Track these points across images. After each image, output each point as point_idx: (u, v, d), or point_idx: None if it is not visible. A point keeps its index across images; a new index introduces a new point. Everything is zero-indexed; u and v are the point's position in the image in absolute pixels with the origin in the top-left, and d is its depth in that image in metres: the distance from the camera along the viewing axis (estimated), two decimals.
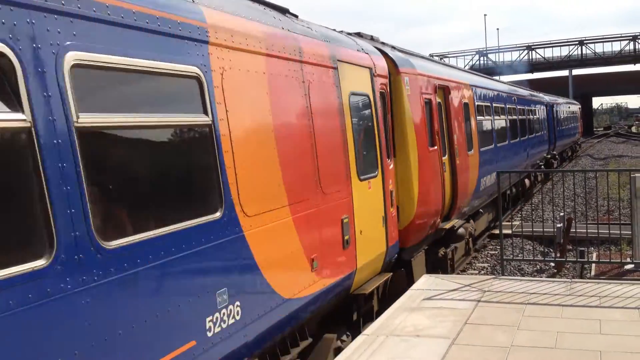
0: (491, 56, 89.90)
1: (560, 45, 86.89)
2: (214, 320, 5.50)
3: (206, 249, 5.41)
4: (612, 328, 7.50)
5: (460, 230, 13.75)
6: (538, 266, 15.63)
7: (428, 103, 12.25)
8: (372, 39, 11.69)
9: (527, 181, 25.23)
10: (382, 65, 10.28)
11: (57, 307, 3.88)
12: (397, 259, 10.57)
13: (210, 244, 5.47)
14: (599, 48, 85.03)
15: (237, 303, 5.83)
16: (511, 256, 14.34)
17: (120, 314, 4.45)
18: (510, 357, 6.75)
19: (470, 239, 15.55)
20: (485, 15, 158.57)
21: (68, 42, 4.18)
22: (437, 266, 12.73)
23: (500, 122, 20.16)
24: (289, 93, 7.16)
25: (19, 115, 3.74)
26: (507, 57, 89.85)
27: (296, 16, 8.41)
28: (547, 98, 37.10)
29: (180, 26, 5.32)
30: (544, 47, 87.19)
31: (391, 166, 10.28)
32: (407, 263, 11.06)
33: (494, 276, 10.83)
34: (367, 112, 9.43)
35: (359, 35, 11.31)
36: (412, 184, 10.92)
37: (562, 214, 16.13)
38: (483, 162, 16.49)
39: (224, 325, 5.62)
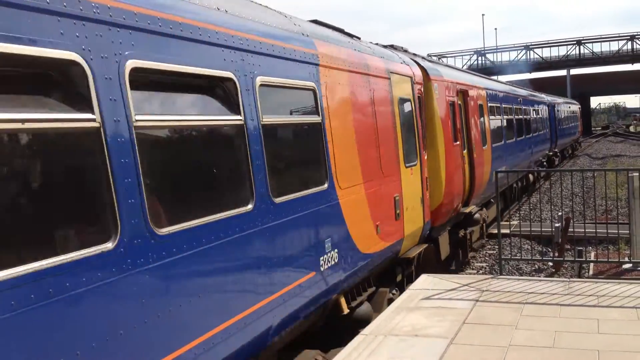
0: (489, 56, 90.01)
1: (558, 45, 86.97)
2: (324, 260, 7.72)
3: (319, 210, 7.63)
4: (610, 327, 7.51)
5: (476, 215, 15.79)
6: (536, 266, 15.66)
7: (452, 105, 14.20)
8: (405, 51, 13.93)
9: (530, 177, 27.30)
10: (418, 74, 12.43)
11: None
12: (427, 235, 12.44)
13: (321, 206, 7.68)
14: (596, 48, 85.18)
15: (335, 250, 8.02)
16: (509, 256, 14.35)
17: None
18: (508, 356, 6.76)
19: (483, 224, 17.41)
20: (483, 15, 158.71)
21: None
22: (457, 245, 14.97)
23: (509, 121, 22.04)
24: (362, 99, 9.34)
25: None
26: (505, 57, 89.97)
27: (359, 38, 10.79)
28: (548, 98, 39.10)
29: (305, 55, 7.71)
30: (542, 47, 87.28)
31: (425, 157, 12.27)
32: (435, 239, 12.96)
33: (492, 276, 10.84)
34: (409, 113, 11.50)
35: (392, 47, 13.18)
36: (441, 173, 12.96)
37: (560, 213, 16.14)
38: (495, 156, 18.42)
39: (328, 265, 7.83)
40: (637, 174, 12.21)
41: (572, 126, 52.96)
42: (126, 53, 4.72)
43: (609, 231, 12.84)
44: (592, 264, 13.21)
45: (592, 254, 13.78)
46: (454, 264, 15.31)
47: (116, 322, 4.38)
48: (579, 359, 6.63)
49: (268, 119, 6.54)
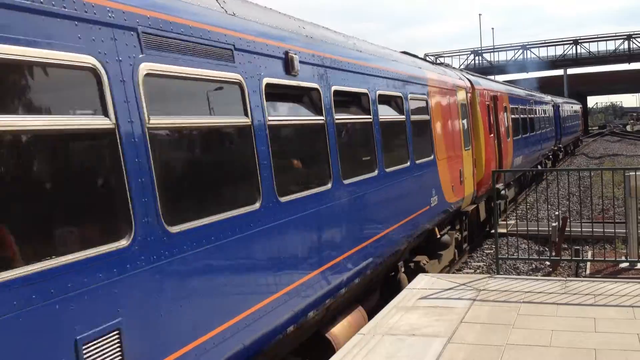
0: (486, 56, 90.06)
1: (555, 45, 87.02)
2: (431, 201, 12.33)
3: (429, 170, 12.29)
4: (607, 326, 7.54)
5: (503, 192, 19.56)
6: (533, 265, 15.68)
7: (487, 107, 18.80)
8: (453, 68, 19.95)
9: (539, 167, 31.93)
10: (468, 85, 16.96)
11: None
12: (473, 201, 16.68)
13: (428, 169, 12.25)
14: (593, 47, 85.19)
15: (435, 197, 12.57)
16: (506, 255, 14.41)
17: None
18: (505, 355, 6.79)
19: (506, 200, 22.62)
20: (480, 15, 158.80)
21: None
22: (489, 213, 18.96)
23: (523, 119, 26.68)
24: (444, 104, 14.11)
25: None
26: (502, 56, 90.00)
27: (440, 64, 17.10)
28: (554, 99, 44.09)
29: (422, 80, 12.59)
30: (539, 47, 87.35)
31: (474, 144, 16.84)
32: (477, 205, 17.32)
33: (489, 275, 10.87)
34: (465, 113, 16.02)
35: (446, 65, 19.06)
36: (482, 156, 17.24)
37: (557, 213, 16.18)
38: (515, 147, 23.39)
39: (433, 204, 12.41)
40: (634, 173, 12.24)
41: (575, 124, 57.53)
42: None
43: (605, 230, 12.84)
44: (589, 263, 13.23)
45: (589, 253, 13.80)
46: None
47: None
48: (575, 357, 6.65)
49: (405, 117, 11.33)
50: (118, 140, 4.55)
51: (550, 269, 14.89)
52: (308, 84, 7.70)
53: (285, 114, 7.58)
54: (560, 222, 14.56)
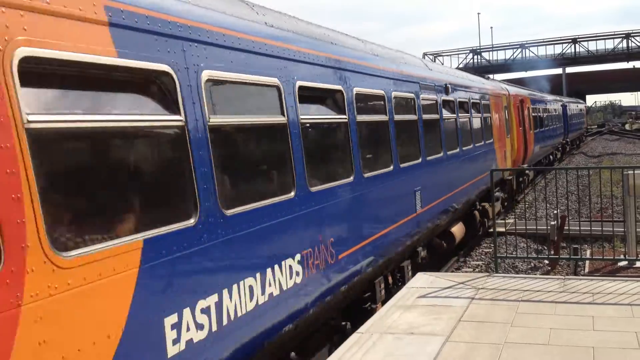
0: (485, 54, 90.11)
1: (554, 44, 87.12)
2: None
3: (488, 150, 18.64)
4: (605, 324, 7.54)
5: (527, 172, 27.05)
6: (532, 264, 15.69)
7: (517, 107, 25.56)
8: (496, 80, 28.55)
9: (551, 157, 40.00)
10: (507, 92, 23.61)
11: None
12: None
13: (489, 149, 18.80)
14: (592, 46, 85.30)
15: (493, 166, 18.04)
16: (505, 254, 14.41)
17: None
18: (503, 353, 6.79)
19: (527, 178, 28.62)
20: (478, 14, 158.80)
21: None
22: (518, 185, 25.84)
23: (540, 117, 33.31)
24: (498, 106, 20.68)
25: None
26: (501, 55, 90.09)
27: (488, 78, 25.28)
28: (562, 99, 52.91)
29: (487, 90, 19.80)
30: (537, 46, 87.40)
31: (510, 134, 23.33)
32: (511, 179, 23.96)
33: (487, 274, 10.88)
34: (506, 112, 22.54)
35: (488, 78, 26.90)
36: (515, 142, 23.95)
37: (555, 211, 16.19)
38: (535, 138, 29.89)
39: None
40: (633, 172, 12.26)
41: (580, 122, 65.65)
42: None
43: (604, 229, 12.84)
44: (587, 262, 13.25)
45: (588, 252, 13.81)
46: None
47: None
48: (574, 356, 6.65)
49: (481, 115, 18.04)
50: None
51: (549, 268, 14.90)
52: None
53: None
54: (559, 220, 14.57)
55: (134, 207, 4.99)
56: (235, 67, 6.26)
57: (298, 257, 7.14)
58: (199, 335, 5.26)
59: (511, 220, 20.84)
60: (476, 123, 17.27)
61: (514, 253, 16.24)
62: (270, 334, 6.50)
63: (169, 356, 4.87)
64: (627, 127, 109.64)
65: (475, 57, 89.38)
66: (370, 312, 9.18)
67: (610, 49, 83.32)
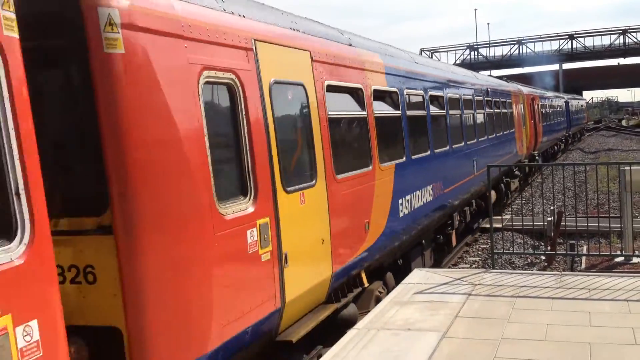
0: (482, 51, 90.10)
1: (551, 40, 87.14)
2: (514, 150, 25.14)
3: (511, 137, 24.13)
4: (602, 320, 7.55)
5: (536, 157, 31.69)
6: (529, 260, 15.70)
7: (530, 104, 30.53)
8: (513, 82, 31.14)
9: (556, 146, 45.88)
10: (522, 92, 28.90)
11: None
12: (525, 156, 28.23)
13: (512, 136, 24.19)
14: (589, 42, 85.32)
15: (515, 150, 24.83)
16: (502, 250, 14.38)
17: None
18: (500, 349, 6.79)
19: (539, 160, 33.69)
20: (475, 10, 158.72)
21: None
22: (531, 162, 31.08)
23: (547, 112, 38.77)
24: (517, 103, 26.59)
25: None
26: (498, 51, 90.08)
27: (507, 81, 30.47)
28: (566, 96, 58.86)
29: (509, 92, 25.51)
30: (534, 42, 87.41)
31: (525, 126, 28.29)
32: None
33: (484, 270, 10.89)
34: (522, 108, 27.86)
35: (506, 80, 30.14)
36: (529, 132, 28.97)
37: (552, 207, 16.20)
38: (543, 130, 34.98)
39: (514, 152, 24.86)
40: (629, 168, 12.26)
41: (581, 116, 72.36)
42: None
43: (600, 225, 12.87)
44: (584, 258, 13.26)
45: (584, 248, 13.83)
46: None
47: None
48: (570, 351, 6.66)
49: (508, 110, 24.32)
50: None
51: (546, 264, 14.91)
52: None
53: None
54: (556, 216, 14.58)
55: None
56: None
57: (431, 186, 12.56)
58: None
59: (508, 217, 20.82)
60: (505, 117, 23.17)
61: (510, 249, 16.22)
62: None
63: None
64: (623, 123, 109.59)
65: (472, 53, 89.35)
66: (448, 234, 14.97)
67: (607, 45, 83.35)
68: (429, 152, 12.69)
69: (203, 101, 5.63)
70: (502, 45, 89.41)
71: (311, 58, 7.87)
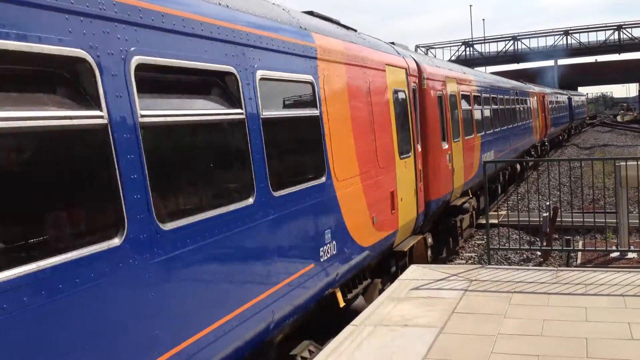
0: (477, 47, 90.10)
1: (546, 36, 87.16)
2: (524, 141, 31.39)
3: (529, 126, 32.72)
4: (598, 315, 7.57)
5: (546, 143, 40.06)
6: (524, 255, 15.74)
7: (541, 100, 38.67)
8: (527, 83, 38.59)
9: (561, 136, 54.89)
10: (537, 91, 38.61)
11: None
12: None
13: (530, 125, 33.50)
14: (584, 38, 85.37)
15: (532, 137, 34.12)
16: (498, 246, 14.43)
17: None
18: (497, 345, 6.81)
19: (547, 145, 41.78)
20: (470, 6, 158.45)
21: None
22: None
23: (553, 107, 46.54)
24: (533, 100, 35.54)
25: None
26: (493, 47, 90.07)
27: (523, 82, 37.84)
28: (568, 92, 66.33)
29: (528, 92, 34.61)
30: (529, 38, 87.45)
31: (538, 116, 37.91)
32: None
33: (480, 266, 10.90)
34: (537, 103, 36.76)
35: (525, 83, 36.56)
36: (541, 123, 38.39)
37: (548, 203, 16.23)
38: (552, 123, 43.83)
39: (532, 138, 34.94)
40: (625, 163, 12.29)
41: (582, 111, 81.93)
42: None
43: (596, 220, 12.87)
44: (579, 253, 13.30)
45: (580, 243, 13.86)
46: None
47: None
48: (567, 347, 6.67)
49: (528, 107, 33.73)
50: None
51: (542, 259, 14.95)
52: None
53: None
54: (551, 212, 14.61)
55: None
56: None
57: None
58: None
59: (504, 212, 20.88)
60: (527, 110, 32.22)
61: (506, 245, 16.28)
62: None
63: None
64: (618, 118, 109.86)
65: (468, 49, 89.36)
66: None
67: (602, 40, 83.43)
68: (497, 129, 22.20)
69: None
70: (497, 41, 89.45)
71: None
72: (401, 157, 11.25)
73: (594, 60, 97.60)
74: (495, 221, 18.17)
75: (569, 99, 63.25)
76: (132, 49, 4.68)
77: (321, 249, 7.76)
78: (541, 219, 14.67)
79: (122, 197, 4.40)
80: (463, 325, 7.49)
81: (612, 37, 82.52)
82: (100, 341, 4.13)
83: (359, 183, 9.21)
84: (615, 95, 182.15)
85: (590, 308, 7.83)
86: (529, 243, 16.42)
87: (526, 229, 16.35)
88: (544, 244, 14.39)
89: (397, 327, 7.52)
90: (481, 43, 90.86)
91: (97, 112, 4.28)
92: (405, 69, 12.22)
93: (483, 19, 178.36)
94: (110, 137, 4.35)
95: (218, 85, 6.02)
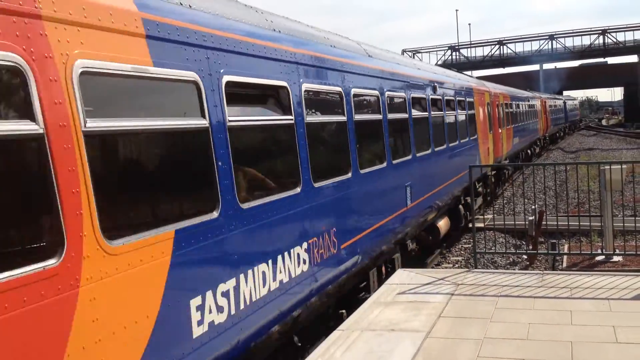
0: (463, 51, 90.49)
1: (531, 40, 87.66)
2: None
3: (535, 124, 44.72)
4: (583, 319, 7.61)
5: (546, 138, 53.52)
6: (511, 259, 15.80)
7: (543, 104, 51.11)
8: (533, 91, 56.71)
9: (557, 134, 65.71)
10: (540, 97, 51.82)
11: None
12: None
13: (536, 122, 45.57)
14: (569, 42, 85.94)
15: (538, 130, 47.46)
16: (484, 249, 14.46)
17: None
18: (483, 349, 6.83)
19: (548, 139, 55.23)
20: (457, 10, 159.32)
21: None
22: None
23: (551, 110, 57.15)
24: (540, 105, 49.56)
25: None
26: (479, 52, 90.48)
27: (531, 90, 55.12)
28: (564, 97, 79.71)
29: (537, 99, 49.00)
30: (515, 42, 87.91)
31: (542, 116, 51.05)
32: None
33: (467, 269, 10.93)
34: (539, 106, 48.95)
35: (531, 91, 51.96)
36: (544, 122, 50.79)
37: (533, 207, 16.31)
38: (550, 123, 55.79)
39: (538, 131, 47.57)
40: (609, 167, 12.37)
41: (575, 113, 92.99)
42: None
43: (581, 224, 12.96)
44: (565, 257, 13.36)
45: (565, 247, 13.94)
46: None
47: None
48: (553, 350, 6.71)
49: (536, 109, 46.53)
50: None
51: (527, 263, 15.01)
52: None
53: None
54: (537, 216, 14.68)
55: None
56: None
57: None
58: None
59: (490, 216, 20.95)
60: (533, 112, 41.58)
61: (493, 248, 16.32)
62: None
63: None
64: (603, 122, 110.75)
65: (454, 53, 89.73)
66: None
67: (587, 45, 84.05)
68: (518, 124, 32.62)
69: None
70: (483, 45, 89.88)
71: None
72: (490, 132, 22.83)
73: (579, 65, 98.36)
74: (482, 225, 18.24)
75: (564, 102, 76.64)
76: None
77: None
78: (527, 222, 14.74)
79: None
80: (450, 329, 7.51)
81: (597, 42, 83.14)
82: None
83: (484, 138, 21.48)
84: (601, 99, 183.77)
85: (575, 311, 7.87)
86: (515, 247, 16.49)
87: (512, 233, 16.42)
88: (530, 247, 14.45)
89: (384, 331, 7.53)
90: (467, 47, 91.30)
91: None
92: (489, 92, 23.71)
93: (469, 24, 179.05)
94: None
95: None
